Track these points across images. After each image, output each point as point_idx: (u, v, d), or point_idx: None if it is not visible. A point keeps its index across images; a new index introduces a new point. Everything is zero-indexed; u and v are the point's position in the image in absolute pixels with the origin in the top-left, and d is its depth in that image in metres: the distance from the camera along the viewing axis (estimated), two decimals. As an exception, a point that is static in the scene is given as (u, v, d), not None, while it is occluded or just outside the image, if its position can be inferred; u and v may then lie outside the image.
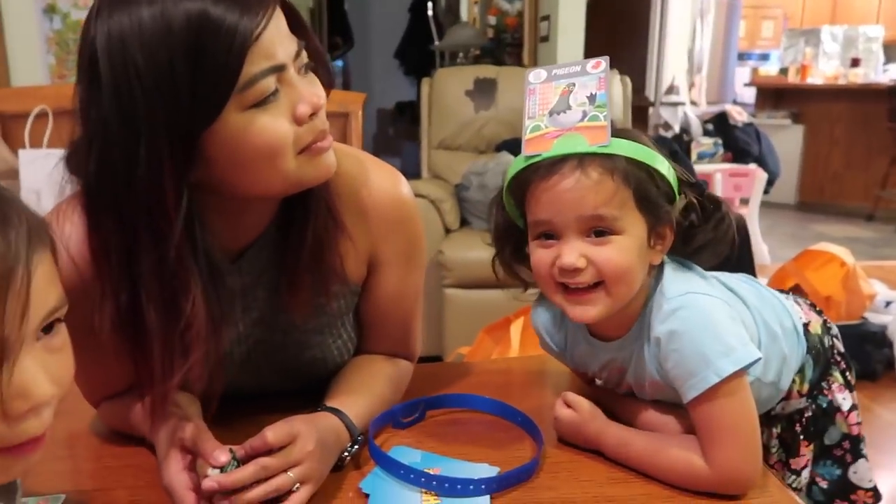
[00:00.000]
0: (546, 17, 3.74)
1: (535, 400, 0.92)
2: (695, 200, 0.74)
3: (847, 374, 0.93)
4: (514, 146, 2.64)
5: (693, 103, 4.98)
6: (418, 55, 5.98)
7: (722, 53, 6.82)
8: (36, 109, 2.25)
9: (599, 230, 0.70)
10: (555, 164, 0.69)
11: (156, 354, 0.67)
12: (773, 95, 6.16)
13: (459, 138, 2.78)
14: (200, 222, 0.69)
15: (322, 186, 0.74)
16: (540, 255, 0.73)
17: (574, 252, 0.70)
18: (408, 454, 0.78)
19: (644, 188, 0.70)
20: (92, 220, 0.65)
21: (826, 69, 6.13)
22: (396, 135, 6.69)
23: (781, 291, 0.93)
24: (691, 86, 5.23)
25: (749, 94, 6.67)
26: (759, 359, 0.70)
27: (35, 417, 0.44)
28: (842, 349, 0.93)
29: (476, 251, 2.25)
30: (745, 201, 3.96)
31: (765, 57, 7.48)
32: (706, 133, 4.17)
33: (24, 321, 0.42)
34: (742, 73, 7.09)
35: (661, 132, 4.21)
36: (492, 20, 4.42)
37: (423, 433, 0.84)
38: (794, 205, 5.88)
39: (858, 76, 5.88)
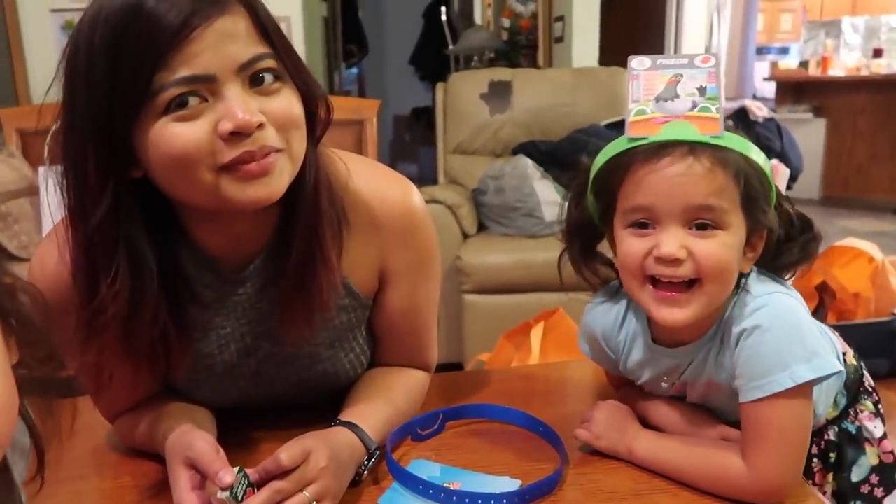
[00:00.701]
0: (560, 18, 3.72)
1: (556, 409, 0.90)
2: (791, 212, 0.72)
3: (879, 405, 0.89)
4: (530, 149, 2.62)
5: (711, 100, 4.92)
6: (433, 60, 5.98)
7: (740, 48, 6.74)
8: (55, 126, 2.27)
9: (703, 223, 0.66)
10: (663, 148, 0.66)
11: (75, 327, 0.68)
12: (794, 89, 6.07)
13: (475, 142, 2.77)
14: (182, 228, 0.72)
15: (311, 213, 0.71)
16: (632, 244, 0.69)
17: (675, 241, 0.66)
18: (427, 468, 0.76)
19: (752, 188, 0.67)
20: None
21: (848, 61, 6.03)
22: (413, 140, 6.69)
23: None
24: (709, 82, 5.15)
25: (769, 89, 6.57)
26: (840, 371, 0.67)
27: None
28: (872, 382, 0.90)
29: (495, 256, 2.23)
30: (767, 198, 3.89)
31: (784, 50, 7.37)
32: (726, 129, 4.10)
33: None
34: (761, 68, 6.99)
35: (680, 130, 4.15)
36: (506, 22, 4.41)
37: (443, 445, 0.82)
38: (818, 200, 5.78)
39: (881, 67, 5.77)
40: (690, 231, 0.67)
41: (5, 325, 0.43)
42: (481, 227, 2.46)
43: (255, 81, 0.64)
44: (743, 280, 0.71)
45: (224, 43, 0.62)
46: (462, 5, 5.86)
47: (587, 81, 2.82)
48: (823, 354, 0.66)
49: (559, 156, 2.56)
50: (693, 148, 0.66)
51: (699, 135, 0.66)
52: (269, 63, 0.65)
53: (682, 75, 0.69)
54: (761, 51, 7.31)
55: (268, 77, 0.65)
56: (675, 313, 0.68)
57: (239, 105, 0.62)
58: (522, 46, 4.24)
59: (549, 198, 2.31)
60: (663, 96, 0.69)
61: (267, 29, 0.66)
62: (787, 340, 0.66)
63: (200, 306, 0.75)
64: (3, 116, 2.45)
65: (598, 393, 0.96)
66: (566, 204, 0.79)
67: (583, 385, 1.02)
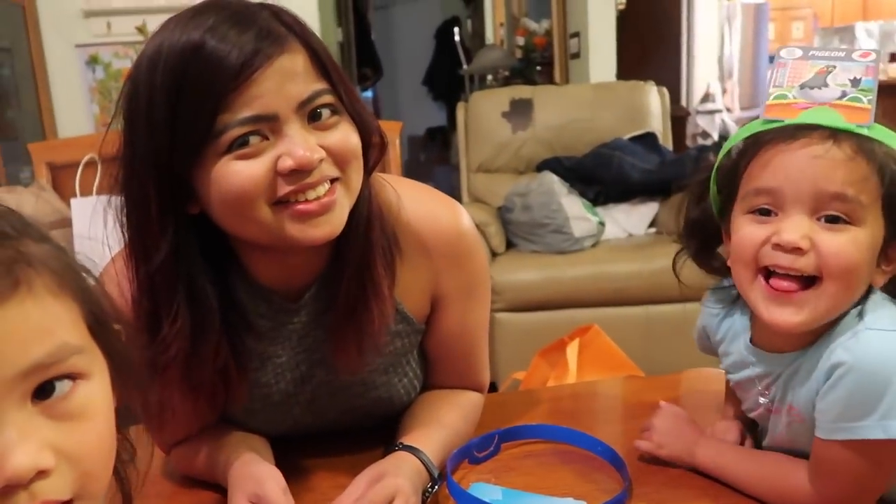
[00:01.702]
0: (576, 34, 3.74)
1: (611, 426, 0.89)
2: None
3: None
4: (555, 165, 2.62)
5: (727, 110, 4.91)
6: (446, 80, 6.02)
7: (752, 57, 6.70)
8: (85, 158, 2.31)
9: (834, 215, 0.59)
10: (801, 129, 0.61)
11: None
12: (810, 96, 6.02)
13: (498, 160, 2.77)
14: (236, 260, 0.71)
15: (363, 245, 0.71)
16: (749, 230, 0.63)
17: (799, 229, 0.59)
18: (488, 491, 0.75)
19: None
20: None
21: (864, 66, 5.98)
22: (428, 160, 6.73)
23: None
24: (724, 92, 5.15)
25: (784, 97, 6.53)
26: None
27: (23, 491, 0.36)
28: None
29: (525, 273, 2.22)
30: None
31: (797, 58, 7.34)
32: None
33: None
34: (775, 76, 6.96)
35: (700, 141, 4.15)
36: (520, 41, 4.44)
37: (501, 467, 0.81)
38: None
39: (899, 71, 5.73)
40: (818, 222, 0.60)
41: (112, 368, 0.43)
42: (509, 245, 2.45)
43: (313, 117, 0.65)
44: (865, 300, 0.64)
45: (284, 82, 0.62)
46: (474, 25, 5.92)
47: (608, 96, 2.82)
48: None
49: (584, 171, 2.56)
50: (835, 134, 0.60)
51: (844, 122, 0.60)
52: (327, 99, 0.65)
53: (834, 66, 0.64)
54: (773, 59, 7.28)
55: (325, 112, 0.65)
56: (787, 314, 0.61)
57: (300, 143, 0.63)
58: (538, 64, 4.26)
59: (576, 213, 2.30)
60: (810, 84, 0.64)
61: (324, 63, 0.66)
62: (884, 390, 0.58)
63: (256, 336, 0.75)
64: (33, 151, 2.49)
65: (651, 409, 0.94)
66: (685, 202, 0.74)
67: (634, 401, 1.01)
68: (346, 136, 0.67)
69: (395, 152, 2.54)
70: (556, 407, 1.00)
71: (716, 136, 4.12)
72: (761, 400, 0.72)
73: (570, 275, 2.18)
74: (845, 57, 0.65)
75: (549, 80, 4.03)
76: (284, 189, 0.63)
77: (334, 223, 0.66)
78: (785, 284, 0.61)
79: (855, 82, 0.63)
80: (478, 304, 0.84)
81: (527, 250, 2.37)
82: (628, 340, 1.65)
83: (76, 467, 0.39)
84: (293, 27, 0.65)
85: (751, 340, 0.71)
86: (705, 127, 4.21)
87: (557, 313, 2.15)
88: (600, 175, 2.50)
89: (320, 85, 0.65)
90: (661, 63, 4.52)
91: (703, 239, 0.72)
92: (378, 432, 0.85)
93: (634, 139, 2.59)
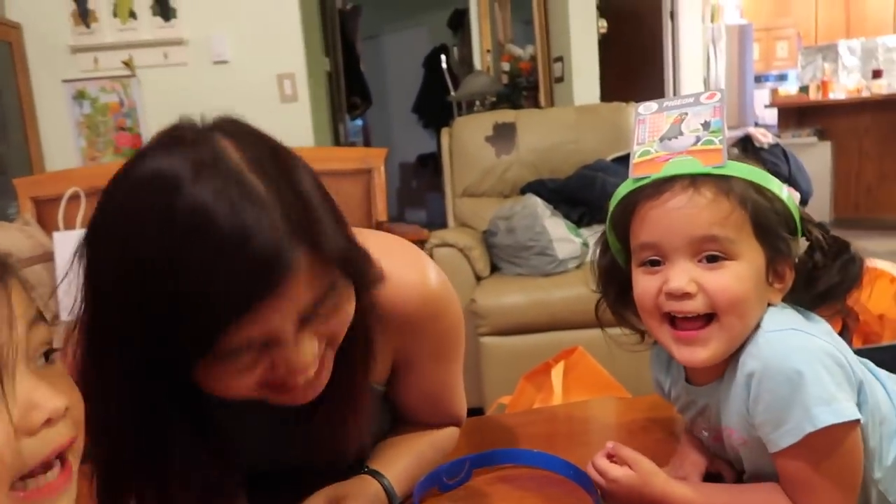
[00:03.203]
0: (559, 59, 3.78)
1: (584, 449, 0.87)
2: (820, 237, 0.69)
3: None
4: (538, 188, 2.63)
5: (715, 129, 4.94)
6: (435, 107, 6.06)
7: (738, 78, 6.79)
8: (69, 192, 2.31)
9: (712, 254, 0.64)
10: (664, 183, 0.66)
11: None
12: (796, 114, 6.10)
13: (483, 185, 2.78)
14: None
15: (347, 384, 0.67)
16: (644, 282, 0.68)
17: (683, 275, 0.64)
18: (457, 518, 0.74)
19: (763, 214, 0.65)
20: None
21: (848, 83, 6.07)
22: (419, 187, 6.75)
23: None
24: (711, 112, 5.19)
25: (770, 116, 6.61)
26: (858, 420, 0.62)
27: (52, 428, 0.45)
28: None
29: (510, 297, 2.21)
30: (779, 223, 3.86)
31: (782, 77, 7.44)
32: (736, 159, 4.10)
33: (12, 329, 0.44)
34: (760, 96, 7.04)
35: (686, 161, 4.16)
36: (505, 66, 4.48)
37: (472, 494, 0.80)
38: (829, 223, 5.71)
39: (882, 87, 5.81)
40: (700, 264, 0.65)
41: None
42: (494, 269, 2.44)
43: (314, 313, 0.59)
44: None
45: (289, 307, 0.55)
46: (461, 53, 5.98)
47: (590, 118, 2.84)
48: (842, 398, 0.61)
49: (568, 193, 2.57)
50: (694, 180, 0.65)
51: (701, 167, 0.65)
52: (330, 295, 0.59)
53: (686, 113, 0.69)
54: (759, 79, 7.37)
55: (328, 303, 0.59)
56: (696, 352, 0.66)
57: (301, 358, 0.58)
58: (523, 88, 4.30)
59: (560, 235, 2.30)
60: (667, 135, 0.68)
61: (331, 252, 0.57)
62: (802, 382, 0.60)
63: (229, 411, 0.68)
64: (18, 186, 2.50)
65: (626, 430, 0.94)
66: (596, 252, 0.77)
67: (608, 423, 1.00)
68: (344, 317, 0.61)
69: (380, 179, 2.55)
70: (533, 431, 0.99)
71: (702, 156, 4.14)
72: (704, 433, 0.75)
73: (556, 297, 2.17)
74: (694, 102, 0.70)
75: (535, 104, 4.06)
76: (276, 380, 0.59)
77: (316, 391, 0.63)
78: (688, 333, 0.66)
79: (706, 125, 0.67)
80: (448, 360, 0.82)
81: (511, 273, 2.36)
82: (616, 362, 1.64)
83: (71, 415, 0.47)
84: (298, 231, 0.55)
85: (686, 380, 0.74)
86: (691, 147, 4.24)
87: (544, 336, 2.14)
88: (584, 196, 2.51)
89: (322, 287, 0.57)
90: (646, 85, 4.57)
91: (619, 285, 0.75)
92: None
93: (617, 160, 2.61)
